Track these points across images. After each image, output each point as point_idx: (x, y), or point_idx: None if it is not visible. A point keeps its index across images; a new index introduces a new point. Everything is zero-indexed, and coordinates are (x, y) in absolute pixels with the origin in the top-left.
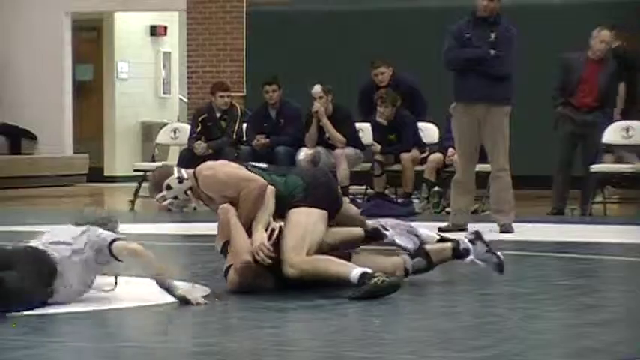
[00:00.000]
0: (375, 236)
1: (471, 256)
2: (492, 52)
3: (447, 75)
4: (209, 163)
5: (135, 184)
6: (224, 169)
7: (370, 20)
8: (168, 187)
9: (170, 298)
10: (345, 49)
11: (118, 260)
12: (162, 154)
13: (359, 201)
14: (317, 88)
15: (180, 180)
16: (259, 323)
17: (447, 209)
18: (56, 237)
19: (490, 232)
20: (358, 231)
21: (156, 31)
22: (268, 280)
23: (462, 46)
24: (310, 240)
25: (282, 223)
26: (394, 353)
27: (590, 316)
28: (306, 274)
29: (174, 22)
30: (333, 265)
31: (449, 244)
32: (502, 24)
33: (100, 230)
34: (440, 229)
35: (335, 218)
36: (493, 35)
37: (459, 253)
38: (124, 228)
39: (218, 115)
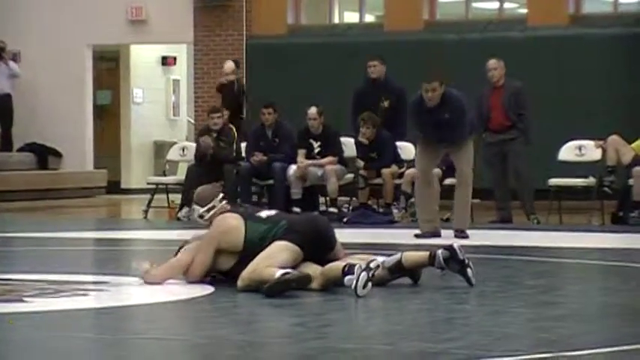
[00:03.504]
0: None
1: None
2: (447, 116)
3: None
4: (230, 220)
5: (148, 196)
6: (215, 231)
7: (352, 51)
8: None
9: (179, 297)
10: (330, 75)
11: None
12: (172, 169)
13: (345, 210)
14: (312, 110)
15: (202, 215)
16: (262, 318)
17: None
18: None
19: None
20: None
21: (166, 61)
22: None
23: (422, 121)
24: (264, 264)
25: None
26: (375, 344)
27: (548, 312)
28: (246, 282)
29: (183, 53)
30: (262, 272)
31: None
32: (450, 101)
33: None
34: (416, 235)
35: (327, 256)
36: (447, 115)
37: (432, 261)
38: (137, 234)
39: (214, 135)
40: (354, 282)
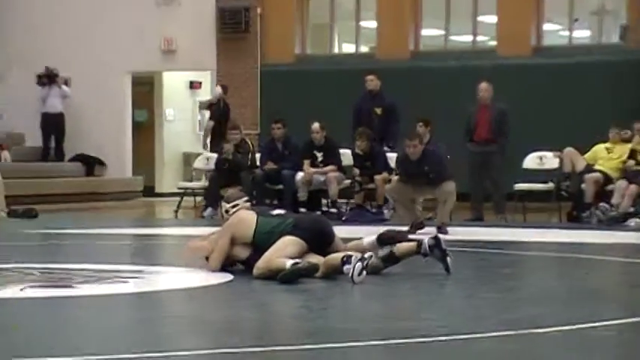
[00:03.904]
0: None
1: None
2: (427, 168)
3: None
4: (244, 214)
5: (178, 198)
6: (231, 221)
7: (349, 77)
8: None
9: (204, 283)
10: (330, 96)
11: None
12: (198, 176)
13: (343, 210)
14: (316, 125)
15: (228, 210)
16: (273, 301)
17: None
18: None
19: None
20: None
21: (193, 86)
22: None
23: (408, 170)
24: (276, 255)
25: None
26: (368, 324)
27: (514, 295)
28: (262, 270)
29: (207, 78)
30: (275, 261)
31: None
32: (429, 156)
33: None
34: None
35: (327, 249)
36: (426, 168)
37: (419, 249)
38: (169, 231)
39: (233, 147)
40: (351, 271)
